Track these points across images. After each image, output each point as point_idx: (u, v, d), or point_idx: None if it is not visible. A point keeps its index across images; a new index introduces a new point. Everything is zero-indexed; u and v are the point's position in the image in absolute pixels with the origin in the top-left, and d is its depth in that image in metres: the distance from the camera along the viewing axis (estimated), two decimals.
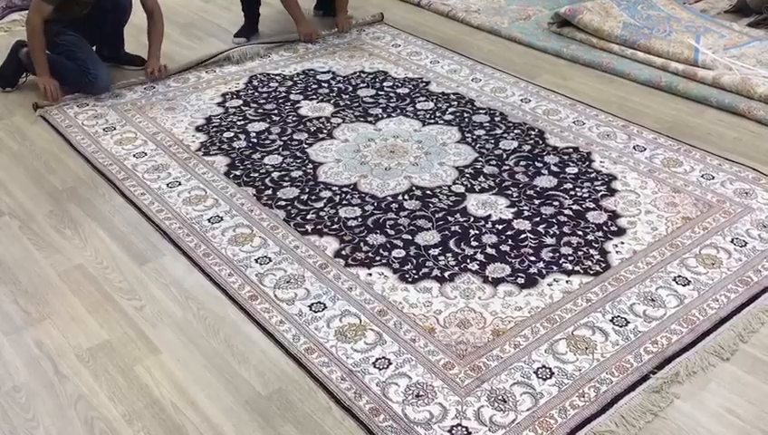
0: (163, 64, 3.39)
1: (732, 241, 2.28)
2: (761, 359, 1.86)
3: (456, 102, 3.19)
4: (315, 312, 2.02)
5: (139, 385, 1.82)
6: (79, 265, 2.24)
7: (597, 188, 2.57)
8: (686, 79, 3.20)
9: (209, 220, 2.42)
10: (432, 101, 3.21)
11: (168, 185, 2.62)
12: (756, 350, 1.88)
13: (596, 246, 2.27)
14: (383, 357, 1.87)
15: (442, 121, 3.04)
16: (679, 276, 2.13)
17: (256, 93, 3.30)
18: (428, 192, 2.56)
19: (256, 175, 2.68)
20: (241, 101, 3.23)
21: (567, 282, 2.12)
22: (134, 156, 2.81)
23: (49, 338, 1.97)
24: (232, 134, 2.96)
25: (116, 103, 3.20)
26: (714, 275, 2.14)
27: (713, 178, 2.61)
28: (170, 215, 2.45)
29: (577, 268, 2.17)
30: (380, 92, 3.30)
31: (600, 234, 2.33)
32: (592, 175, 2.65)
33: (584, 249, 2.26)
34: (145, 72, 3.35)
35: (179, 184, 2.63)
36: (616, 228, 2.35)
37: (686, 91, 3.15)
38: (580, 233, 2.33)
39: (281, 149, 2.86)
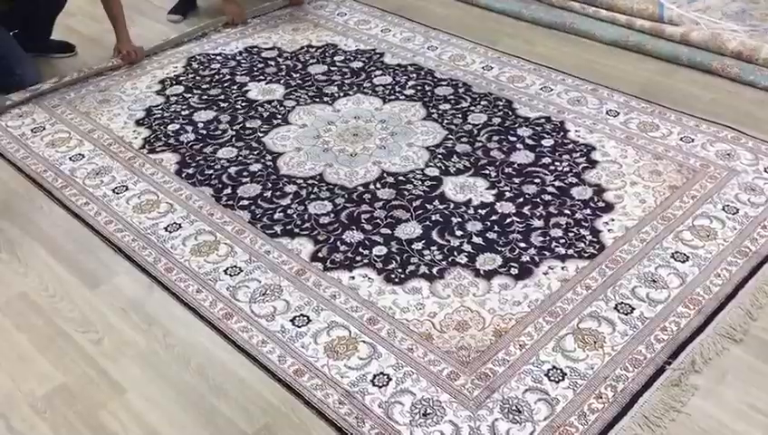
0: (139, 46, 3.10)
1: (723, 209, 2.19)
2: None
3: (415, 75, 2.98)
4: (299, 326, 1.83)
5: (106, 434, 1.60)
6: (21, 293, 1.97)
7: (577, 160, 2.44)
8: (655, 37, 3.07)
9: (166, 229, 2.17)
10: (389, 74, 3.00)
11: (113, 191, 2.35)
12: (767, 334, 1.80)
13: (586, 225, 2.15)
14: (381, 373, 1.70)
15: (403, 97, 2.84)
16: (677, 252, 2.03)
17: (198, 77, 3.01)
18: (401, 178, 2.37)
19: (211, 172, 2.43)
20: (182, 88, 2.94)
21: (562, 268, 1.99)
22: (70, 159, 2.51)
23: None
24: (177, 126, 2.69)
25: (41, 99, 2.86)
26: (711, 247, 2.04)
27: (692, 140, 2.52)
28: (121, 226, 2.19)
29: (570, 252, 2.04)
30: (333, 68, 3.06)
31: (589, 211, 2.20)
32: (569, 146, 2.51)
33: (575, 230, 2.13)
34: (118, 55, 3.05)
35: (126, 189, 2.36)
36: (603, 204, 2.23)
37: (656, 50, 3.03)
38: (567, 212, 2.20)
39: (234, 139, 2.61)
